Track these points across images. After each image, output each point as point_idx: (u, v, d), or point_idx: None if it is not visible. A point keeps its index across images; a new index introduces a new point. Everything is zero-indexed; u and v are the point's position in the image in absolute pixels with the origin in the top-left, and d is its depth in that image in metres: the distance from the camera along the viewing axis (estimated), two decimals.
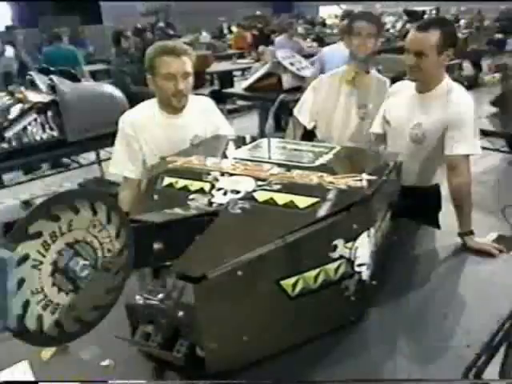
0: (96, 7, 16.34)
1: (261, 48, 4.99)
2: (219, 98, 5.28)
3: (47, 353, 1.17)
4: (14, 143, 2.98)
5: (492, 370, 1.34)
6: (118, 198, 1.72)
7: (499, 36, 9.90)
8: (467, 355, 1.11)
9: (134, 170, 1.74)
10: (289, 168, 1.33)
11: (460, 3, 13.67)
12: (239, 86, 5.37)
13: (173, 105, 1.69)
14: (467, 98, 1.71)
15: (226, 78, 7.46)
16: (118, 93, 3.54)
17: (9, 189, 3.66)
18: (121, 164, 1.75)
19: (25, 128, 3.04)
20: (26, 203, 3.64)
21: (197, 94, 1.90)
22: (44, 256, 0.69)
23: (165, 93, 1.66)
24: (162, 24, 13.04)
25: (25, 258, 0.67)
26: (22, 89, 3.36)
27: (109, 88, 3.54)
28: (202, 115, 1.80)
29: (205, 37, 12.58)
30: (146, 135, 1.71)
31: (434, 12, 14.40)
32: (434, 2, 14.45)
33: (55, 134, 3.16)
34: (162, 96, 1.70)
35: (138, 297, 1.04)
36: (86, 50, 12.16)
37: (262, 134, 1.72)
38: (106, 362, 1.13)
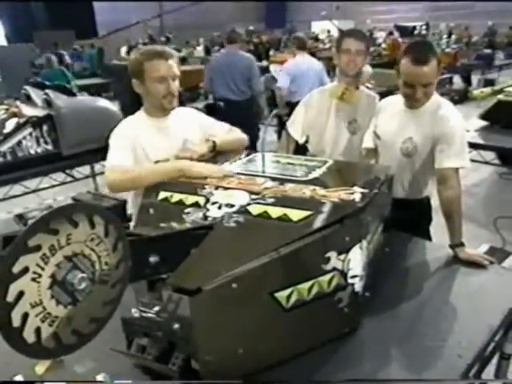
0: (91, 21, 16.47)
1: None
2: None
3: (42, 367, 1.17)
4: (8, 157, 2.99)
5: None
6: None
7: (487, 51, 10.13)
8: (459, 366, 1.13)
9: (129, 160, 1.66)
10: (282, 182, 1.35)
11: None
12: None
13: (165, 107, 1.70)
14: (456, 112, 1.76)
15: None
16: (112, 106, 3.57)
17: (2, 202, 3.64)
18: (117, 157, 1.64)
19: (20, 142, 3.05)
20: (20, 217, 3.63)
21: (191, 108, 1.92)
22: (43, 269, 0.71)
23: (156, 95, 1.67)
24: (162, 38, 13.31)
25: (24, 270, 0.68)
26: (18, 103, 3.38)
27: (103, 102, 3.57)
28: (187, 120, 1.81)
29: (199, 51, 12.77)
30: (140, 141, 1.69)
31: (423, 27, 14.69)
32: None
33: (50, 147, 3.18)
34: (152, 99, 1.69)
35: (133, 310, 1.05)
36: (83, 64, 12.28)
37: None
38: (101, 376, 1.14)
